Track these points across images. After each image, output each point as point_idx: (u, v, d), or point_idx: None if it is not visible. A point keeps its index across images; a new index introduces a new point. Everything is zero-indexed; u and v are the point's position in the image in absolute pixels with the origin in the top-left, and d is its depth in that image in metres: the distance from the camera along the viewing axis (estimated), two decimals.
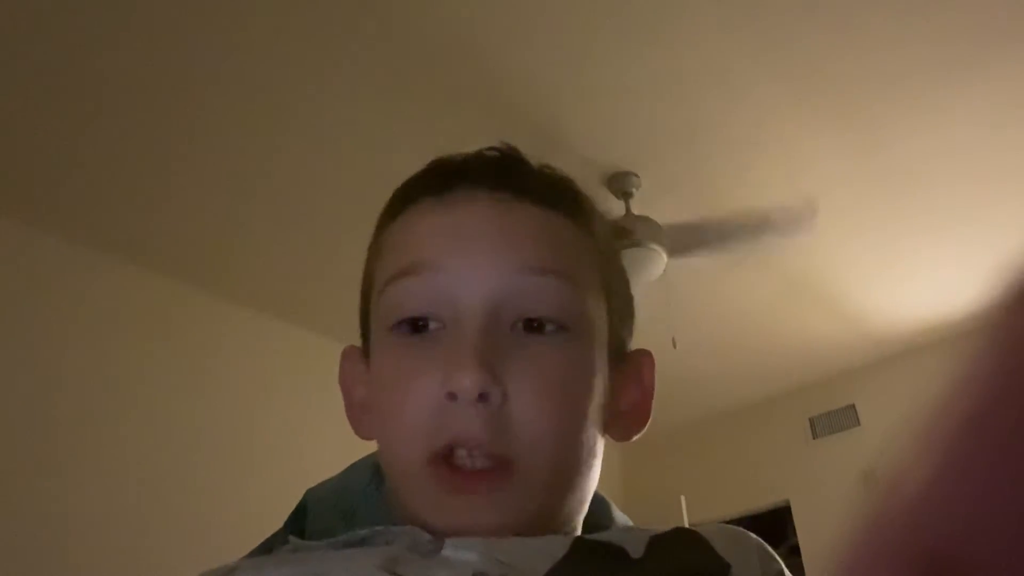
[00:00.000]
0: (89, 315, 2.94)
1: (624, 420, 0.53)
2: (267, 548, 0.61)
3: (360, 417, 0.55)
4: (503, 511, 0.44)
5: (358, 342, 0.56)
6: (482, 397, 0.43)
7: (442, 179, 0.51)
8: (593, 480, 0.51)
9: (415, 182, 0.52)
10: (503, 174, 0.50)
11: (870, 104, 2.54)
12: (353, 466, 0.65)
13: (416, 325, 0.47)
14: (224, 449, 3.12)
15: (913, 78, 2.45)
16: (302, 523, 0.62)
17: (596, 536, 0.42)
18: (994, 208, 3.07)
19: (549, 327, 0.46)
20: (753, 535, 0.45)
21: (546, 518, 0.46)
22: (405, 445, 0.46)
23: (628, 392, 0.53)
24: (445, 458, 0.45)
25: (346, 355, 0.55)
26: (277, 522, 0.64)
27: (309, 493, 0.64)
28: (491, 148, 0.52)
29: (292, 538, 0.47)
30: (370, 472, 0.62)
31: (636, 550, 0.40)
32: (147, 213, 2.84)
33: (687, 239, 2.58)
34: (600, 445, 0.51)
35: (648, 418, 0.54)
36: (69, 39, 2.16)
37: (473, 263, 0.46)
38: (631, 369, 0.54)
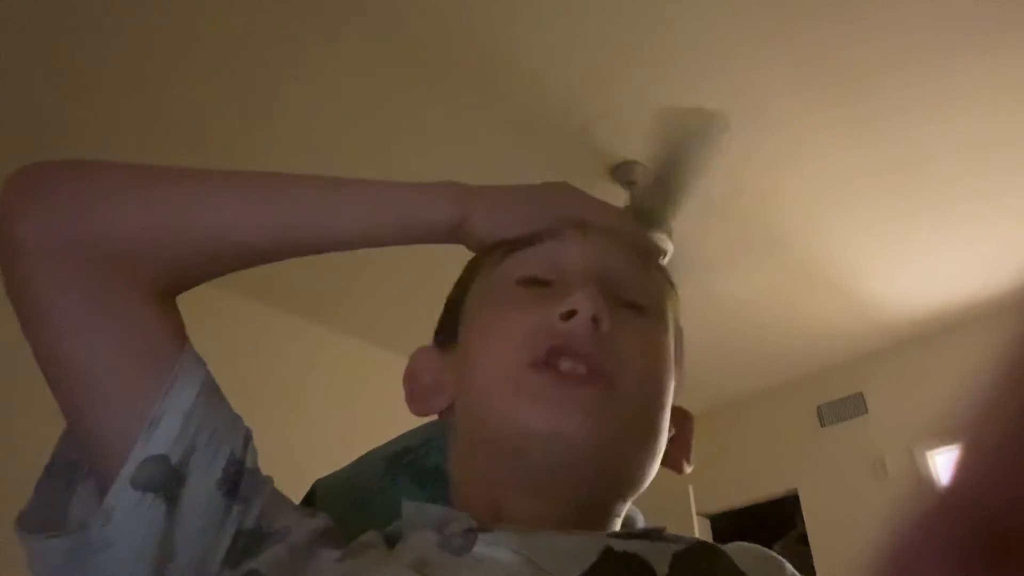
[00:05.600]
0: None
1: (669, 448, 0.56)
2: None
3: (426, 396, 0.56)
4: (597, 415, 0.46)
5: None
6: (595, 320, 0.48)
7: None
8: (655, 458, 0.53)
9: None
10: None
11: (877, 91, 2.53)
12: (362, 459, 0.66)
13: (536, 282, 0.53)
14: None
15: (919, 64, 2.43)
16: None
17: (624, 546, 0.42)
18: (1002, 195, 3.06)
19: (640, 307, 0.53)
20: (776, 554, 0.47)
21: (620, 459, 0.49)
22: (507, 354, 0.50)
23: (680, 433, 0.58)
24: (548, 363, 0.48)
25: (416, 353, 0.59)
26: None
27: (319, 483, 0.65)
28: None
29: None
30: (384, 465, 0.63)
31: (661, 567, 0.41)
32: None
33: (656, 197, 2.55)
34: (665, 435, 0.54)
35: (681, 471, 0.60)
36: (67, 21, 2.17)
37: (586, 238, 0.54)
38: (676, 417, 0.57)
